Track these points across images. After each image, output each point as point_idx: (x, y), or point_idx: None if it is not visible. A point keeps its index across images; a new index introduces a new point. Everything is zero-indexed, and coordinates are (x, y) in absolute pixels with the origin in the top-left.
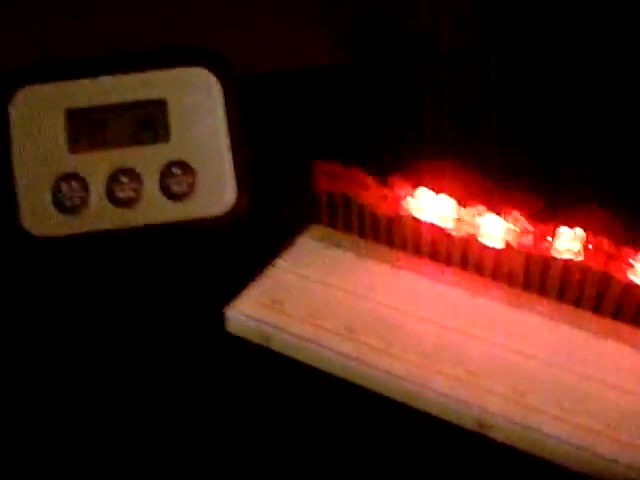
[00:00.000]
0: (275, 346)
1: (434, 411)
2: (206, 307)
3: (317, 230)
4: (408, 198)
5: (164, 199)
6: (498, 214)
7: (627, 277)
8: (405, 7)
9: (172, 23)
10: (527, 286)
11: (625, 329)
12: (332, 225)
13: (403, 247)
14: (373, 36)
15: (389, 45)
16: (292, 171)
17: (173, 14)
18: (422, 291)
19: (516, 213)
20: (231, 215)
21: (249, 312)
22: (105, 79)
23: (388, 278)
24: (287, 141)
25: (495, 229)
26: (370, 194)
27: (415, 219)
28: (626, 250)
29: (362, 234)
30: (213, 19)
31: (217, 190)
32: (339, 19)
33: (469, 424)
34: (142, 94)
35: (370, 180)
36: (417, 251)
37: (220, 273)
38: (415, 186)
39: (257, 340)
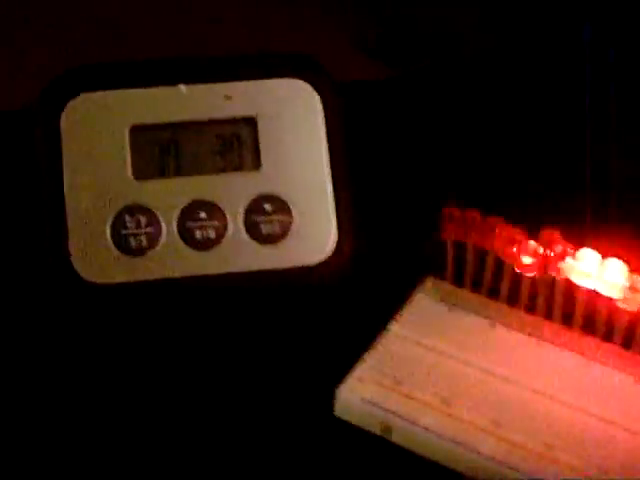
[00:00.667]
0: (397, 438)
1: None
2: (302, 383)
3: (436, 285)
4: (567, 259)
5: (251, 241)
6: None
7: None
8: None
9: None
10: None
11: None
12: (457, 282)
13: (549, 316)
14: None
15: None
16: (410, 214)
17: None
18: (572, 371)
19: None
20: (332, 264)
21: (365, 394)
22: (181, 89)
23: (531, 352)
24: (399, 173)
25: None
26: (516, 248)
27: (572, 283)
28: None
29: (495, 295)
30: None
31: (315, 233)
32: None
33: None
34: (226, 110)
35: (517, 232)
36: (568, 322)
37: (317, 336)
38: (576, 245)
39: (374, 429)
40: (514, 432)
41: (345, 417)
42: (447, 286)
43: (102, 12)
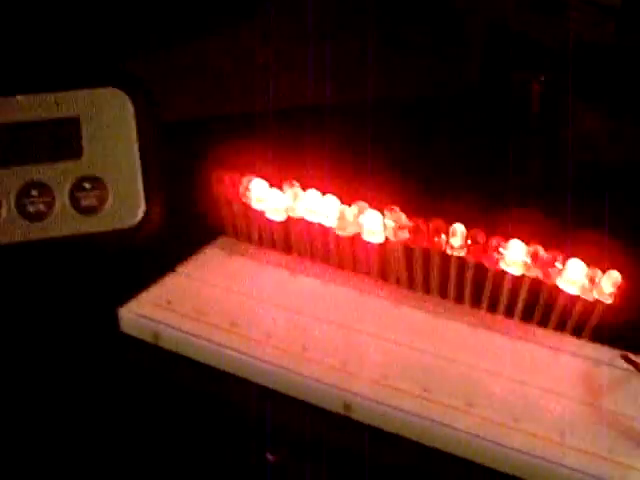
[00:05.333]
0: (164, 343)
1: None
2: (108, 311)
3: (224, 241)
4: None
5: (74, 212)
6: (379, 210)
7: (496, 266)
8: None
9: None
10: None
11: (497, 319)
12: (239, 235)
13: (299, 251)
14: None
15: None
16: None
17: None
18: (311, 291)
19: (396, 208)
20: (140, 228)
21: (141, 311)
22: (20, 98)
23: (278, 281)
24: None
25: (375, 225)
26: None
27: (305, 221)
28: (489, 239)
29: (261, 242)
30: None
31: (127, 204)
32: None
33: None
34: (55, 112)
35: (255, 183)
36: (310, 254)
37: (129, 283)
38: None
39: (148, 338)
40: (289, 342)
41: (128, 331)
42: (230, 240)
43: None
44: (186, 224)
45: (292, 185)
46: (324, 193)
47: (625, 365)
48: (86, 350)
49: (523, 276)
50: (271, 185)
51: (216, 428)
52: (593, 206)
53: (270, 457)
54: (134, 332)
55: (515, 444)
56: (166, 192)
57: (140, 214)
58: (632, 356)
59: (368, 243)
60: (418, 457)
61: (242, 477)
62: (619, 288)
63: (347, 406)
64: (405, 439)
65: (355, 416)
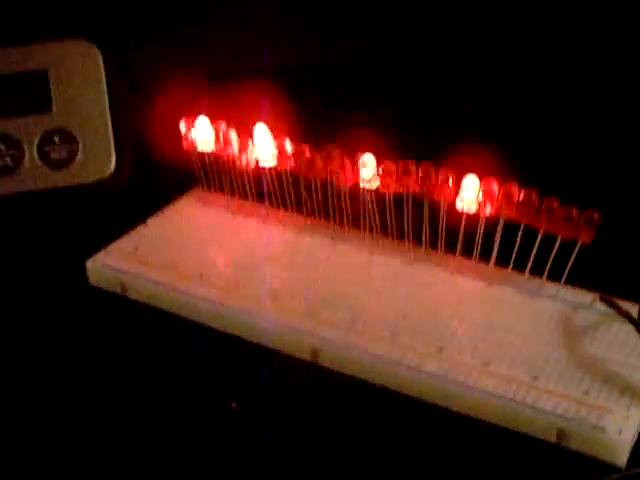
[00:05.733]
0: (132, 294)
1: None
2: (77, 265)
3: (197, 192)
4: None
5: (44, 167)
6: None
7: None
8: None
9: None
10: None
11: (472, 265)
12: (212, 186)
13: (272, 201)
14: None
15: None
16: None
17: None
18: (284, 240)
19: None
20: (111, 181)
21: (108, 262)
22: None
23: (251, 231)
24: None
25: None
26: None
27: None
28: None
29: (235, 193)
30: None
31: (97, 157)
32: None
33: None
34: (23, 66)
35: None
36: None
37: (100, 237)
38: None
39: (117, 290)
40: (258, 290)
41: (96, 283)
42: (203, 192)
43: None
44: (159, 177)
45: (263, 132)
46: (297, 141)
47: (604, 308)
48: (56, 304)
49: (498, 217)
50: (242, 133)
51: (182, 377)
52: None
53: (234, 405)
54: (102, 284)
55: (487, 387)
56: (137, 145)
57: (111, 167)
58: (611, 298)
59: (340, 190)
60: (388, 403)
61: (207, 425)
62: (595, 224)
63: (315, 352)
64: (375, 385)
65: (323, 362)
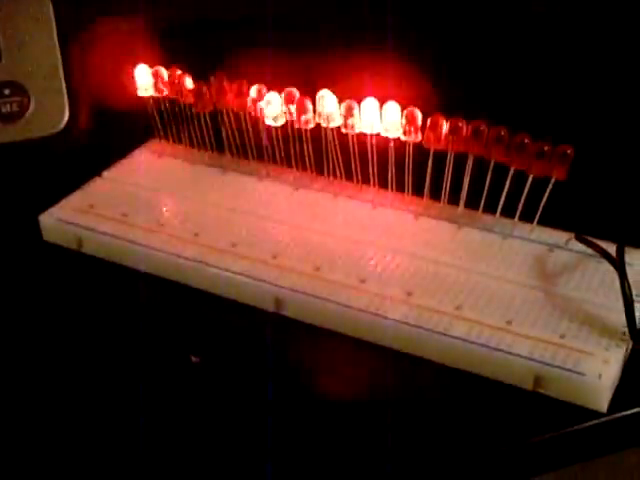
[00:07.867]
0: (87, 249)
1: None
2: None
3: (154, 144)
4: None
5: None
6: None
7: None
8: None
9: None
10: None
11: (441, 207)
12: (169, 137)
13: (231, 150)
14: None
15: None
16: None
17: None
18: (243, 188)
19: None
20: (65, 135)
21: (62, 217)
22: None
23: (210, 180)
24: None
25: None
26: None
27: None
28: None
29: (193, 143)
30: None
31: (50, 110)
32: None
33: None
34: None
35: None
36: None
37: (55, 192)
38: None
39: (72, 245)
40: (217, 240)
41: (50, 239)
42: (161, 142)
43: None
44: (116, 129)
45: (218, 77)
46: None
47: (580, 247)
48: (9, 261)
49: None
50: (198, 79)
51: (141, 331)
52: None
53: (194, 359)
54: (57, 239)
55: (458, 332)
56: (91, 96)
57: (64, 120)
58: (586, 237)
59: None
60: (356, 352)
61: (168, 379)
62: (568, 159)
63: (278, 302)
64: (341, 334)
65: (287, 312)
